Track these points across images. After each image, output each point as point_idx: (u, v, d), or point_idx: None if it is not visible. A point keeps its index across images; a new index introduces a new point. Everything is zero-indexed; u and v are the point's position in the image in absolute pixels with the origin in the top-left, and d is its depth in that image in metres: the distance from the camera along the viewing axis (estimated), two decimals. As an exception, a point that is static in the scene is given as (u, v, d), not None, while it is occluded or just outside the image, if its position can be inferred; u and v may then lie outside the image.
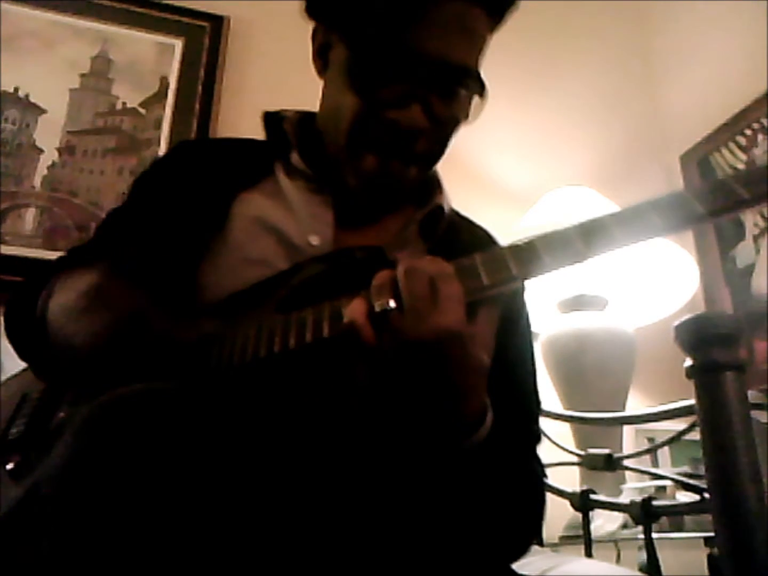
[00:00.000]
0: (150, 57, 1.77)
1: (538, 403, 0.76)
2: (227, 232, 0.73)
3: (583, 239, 0.52)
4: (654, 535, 0.98)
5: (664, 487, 1.26)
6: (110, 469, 0.43)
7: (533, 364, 0.77)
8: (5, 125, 1.61)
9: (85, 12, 1.75)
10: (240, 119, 1.73)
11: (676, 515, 1.22)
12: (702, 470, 0.84)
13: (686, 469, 1.32)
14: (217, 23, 1.82)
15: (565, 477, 1.24)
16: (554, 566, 0.89)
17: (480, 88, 0.70)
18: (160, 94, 1.75)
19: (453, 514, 0.58)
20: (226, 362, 0.59)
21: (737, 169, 1.83)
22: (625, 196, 1.44)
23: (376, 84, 0.67)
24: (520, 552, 0.68)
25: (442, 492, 0.57)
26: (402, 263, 0.53)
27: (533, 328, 0.80)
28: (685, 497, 1.10)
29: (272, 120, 0.81)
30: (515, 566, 0.67)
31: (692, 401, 0.84)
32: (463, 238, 0.80)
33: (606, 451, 1.14)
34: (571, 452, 1.26)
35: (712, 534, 0.81)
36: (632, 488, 1.33)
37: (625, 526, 1.32)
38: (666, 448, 1.42)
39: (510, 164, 1.97)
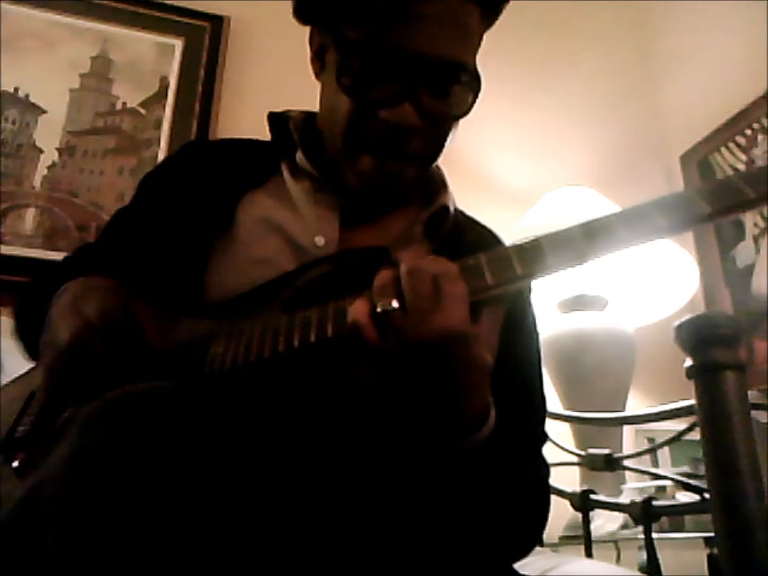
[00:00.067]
0: (150, 57, 1.77)
1: (544, 403, 0.76)
2: (233, 232, 0.73)
3: (587, 239, 0.52)
4: (654, 535, 0.98)
5: (664, 487, 1.26)
6: (113, 467, 0.44)
7: (539, 365, 0.77)
8: (5, 125, 1.61)
9: (85, 12, 1.75)
10: (240, 119, 1.73)
11: (676, 515, 1.22)
12: (702, 470, 0.84)
13: (686, 469, 1.32)
14: (217, 23, 1.83)
15: (565, 477, 1.24)
16: (554, 566, 0.89)
17: (475, 83, 0.69)
18: (160, 94, 1.75)
19: (456, 514, 0.58)
20: (230, 362, 0.59)
21: (739, 170, 1.83)
22: (625, 196, 1.45)
23: (365, 84, 0.67)
24: (524, 552, 0.68)
25: (445, 491, 0.57)
26: (405, 263, 0.52)
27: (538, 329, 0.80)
28: (685, 497, 1.10)
29: (277, 120, 0.81)
30: (516, 566, 0.67)
31: (692, 401, 0.84)
32: (468, 238, 0.80)
33: (606, 451, 1.14)
34: (571, 452, 1.26)
35: (712, 534, 0.81)
36: (632, 488, 1.33)
37: (625, 526, 1.32)
38: (666, 448, 1.42)
39: (510, 164, 1.97)
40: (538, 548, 0.70)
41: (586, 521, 1.16)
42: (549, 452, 0.74)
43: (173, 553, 0.43)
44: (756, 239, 1.77)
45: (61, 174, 1.62)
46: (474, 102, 0.70)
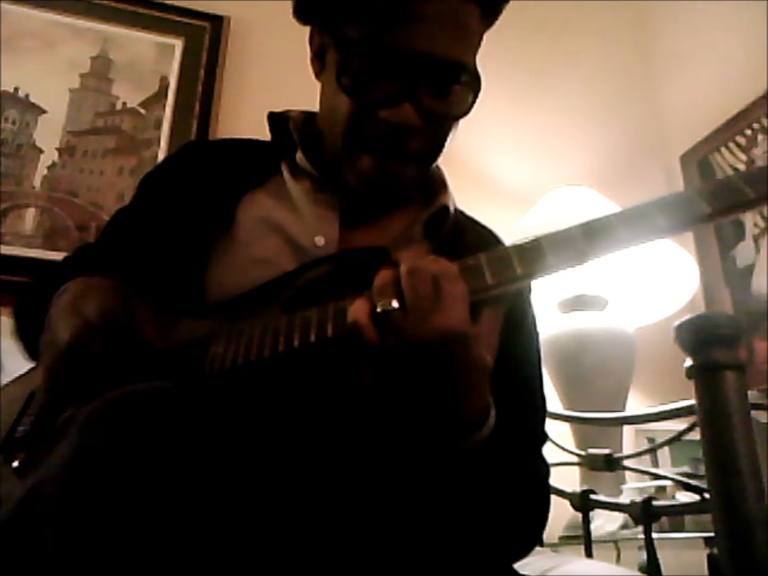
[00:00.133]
0: (150, 57, 1.77)
1: (544, 403, 0.76)
2: (233, 232, 0.73)
3: (587, 240, 0.52)
4: (654, 535, 0.98)
5: (664, 487, 1.26)
6: (113, 467, 0.44)
7: (539, 365, 0.77)
8: (5, 125, 1.61)
9: (85, 12, 1.75)
10: (240, 119, 1.73)
11: (676, 515, 1.22)
12: (702, 470, 0.84)
13: (686, 469, 1.32)
14: (217, 23, 1.83)
15: (565, 477, 1.24)
16: (554, 566, 0.89)
17: (475, 83, 0.69)
18: (160, 94, 1.75)
19: (456, 514, 0.58)
20: (230, 362, 0.59)
21: (739, 170, 1.83)
22: (625, 196, 1.45)
23: (365, 84, 0.67)
24: (524, 552, 0.68)
25: (445, 491, 0.57)
26: (405, 263, 0.53)
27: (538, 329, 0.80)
28: (685, 497, 1.10)
29: (277, 120, 0.81)
30: (516, 566, 0.67)
31: (692, 401, 0.84)
32: (468, 238, 0.80)
33: (606, 451, 1.14)
34: (571, 452, 1.26)
35: (712, 534, 0.81)
36: (632, 488, 1.33)
37: (625, 526, 1.32)
38: (666, 448, 1.42)
39: (510, 164, 1.97)
40: (538, 548, 0.70)
41: (586, 521, 1.16)
42: (549, 452, 0.74)
43: (173, 553, 0.43)
44: (756, 239, 1.77)
45: (61, 174, 1.62)
46: (474, 102, 0.70)
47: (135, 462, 0.44)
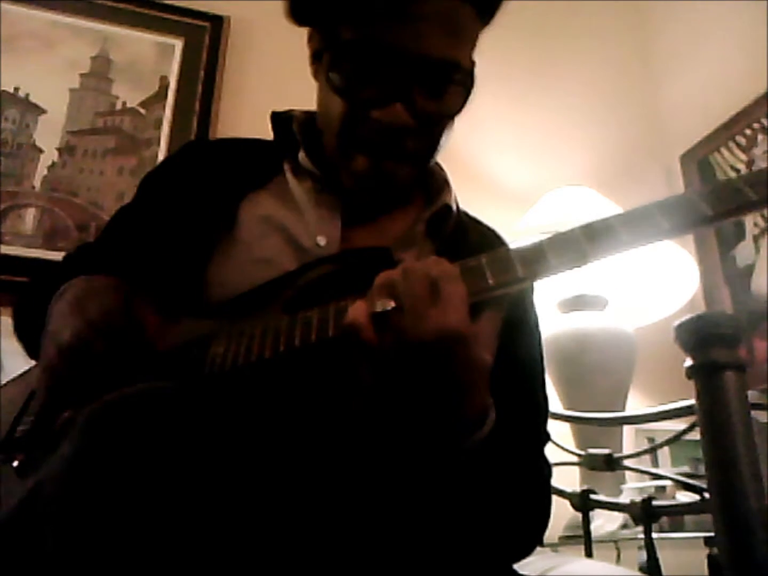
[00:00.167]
0: (150, 57, 1.77)
1: (546, 403, 0.76)
2: (235, 232, 0.73)
3: (589, 241, 0.52)
4: (654, 535, 0.98)
5: (664, 487, 1.26)
6: (113, 468, 0.44)
7: (541, 365, 0.78)
8: (5, 125, 1.61)
9: (85, 12, 1.75)
10: (240, 119, 1.73)
11: (676, 515, 1.22)
12: (702, 470, 0.84)
13: (686, 469, 1.32)
14: (217, 23, 1.83)
15: (565, 477, 1.24)
16: (554, 566, 0.89)
17: (468, 82, 0.69)
18: (160, 94, 1.75)
19: (457, 514, 0.58)
20: (231, 362, 0.59)
21: (741, 172, 1.83)
22: (625, 196, 1.45)
23: (357, 85, 0.67)
24: (525, 552, 0.68)
25: (445, 491, 0.57)
26: (402, 264, 0.53)
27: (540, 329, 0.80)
28: (685, 497, 1.10)
29: (280, 120, 0.82)
30: (516, 566, 0.67)
31: (692, 401, 0.84)
32: (471, 238, 0.80)
33: (606, 451, 1.14)
34: (571, 452, 1.26)
35: (712, 534, 0.81)
36: (632, 488, 1.33)
37: (625, 526, 1.32)
38: (666, 448, 1.42)
39: (510, 164, 1.97)
40: (538, 548, 0.70)
41: (586, 521, 1.16)
42: (549, 452, 0.74)
43: (173, 553, 0.43)
44: (756, 239, 1.77)
45: (61, 174, 1.62)
46: (467, 101, 0.70)
47: (135, 463, 0.44)
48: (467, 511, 0.59)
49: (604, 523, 1.33)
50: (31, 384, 0.69)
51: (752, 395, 0.81)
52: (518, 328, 0.73)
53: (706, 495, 0.86)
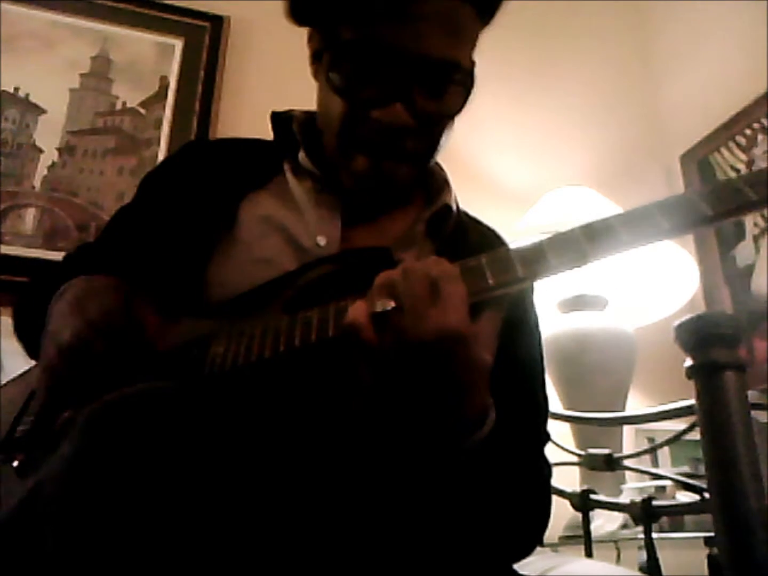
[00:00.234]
0: (150, 57, 1.77)
1: (546, 403, 0.76)
2: (235, 232, 0.73)
3: (589, 241, 0.52)
4: (654, 535, 0.98)
5: (664, 487, 1.26)
6: (113, 468, 0.44)
7: (541, 365, 0.78)
8: (5, 125, 1.61)
9: (85, 12, 1.75)
10: (240, 119, 1.73)
11: (676, 515, 1.22)
12: (702, 470, 0.84)
13: (686, 469, 1.32)
14: (217, 23, 1.82)
15: (565, 477, 1.24)
16: (554, 566, 0.89)
17: (468, 82, 0.69)
18: (160, 94, 1.75)
19: (457, 514, 0.58)
20: (231, 362, 0.59)
21: (741, 172, 1.83)
22: (625, 196, 1.45)
23: (357, 85, 0.67)
24: (525, 552, 0.68)
25: (445, 491, 0.57)
26: (402, 264, 0.53)
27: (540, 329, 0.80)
28: (685, 497, 1.10)
29: (280, 120, 0.82)
30: (516, 566, 0.67)
31: (692, 401, 0.84)
32: (471, 238, 0.80)
33: (606, 451, 1.14)
34: (571, 452, 1.26)
35: (712, 534, 0.81)
36: (632, 488, 1.33)
37: (625, 526, 1.32)
38: (666, 448, 1.42)
39: (510, 164, 1.97)
40: (538, 548, 0.70)
41: (586, 521, 1.16)
42: (549, 452, 0.74)
43: (173, 553, 0.43)
44: (756, 239, 1.77)
45: (61, 174, 1.62)
46: (467, 101, 0.70)
47: (134, 463, 0.44)
48: (467, 512, 0.59)
49: (604, 523, 1.33)
50: (31, 384, 0.69)
51: (752, 395, 0.81)
52: (518, 328, 0.73)
53: (706, 495, 0.86)
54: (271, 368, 0.58)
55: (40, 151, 1.62)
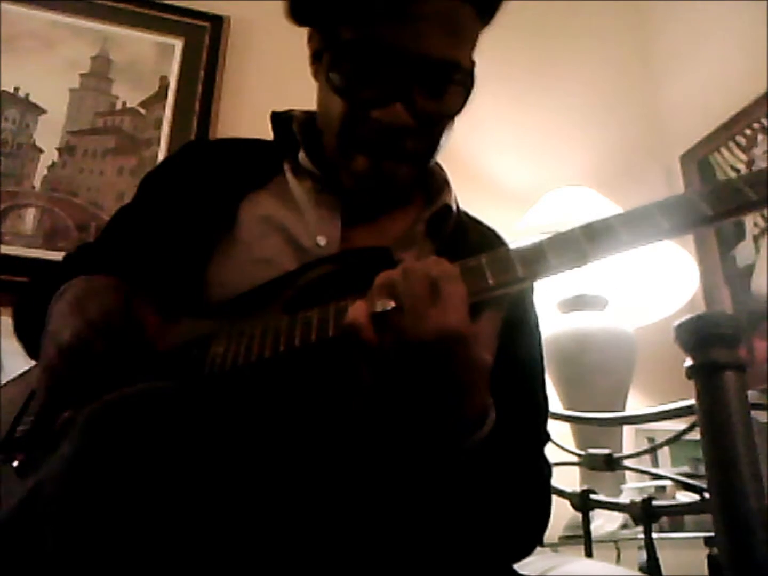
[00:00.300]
0: (150, 57, 1.77)
1: (546, 403, 0.76)
2: (235, 232, 0.73)
3: (589, 241, 0.52)
4: (654, 535, 0.98)
5: (664, 487, 1.26)
6: (113, 468, 0.44)
7: (541, 365, 0.78)
8: (5, 125, 1.61)
9: (85, 12, 1.75)
10: (240, 119, 1.73)
11: (676, 515, 1.22)
12: (702, 470, 0.84)
13: (686, 469, 1.32)
14: (217, 23, 1.82)
15: (565, 477, 1.24)
16: (554, 566, 0.89)
17: (468, 82, 0.69)
18: (160, 94, 1.75)
19: (457, 514, 0.58)
20: (231, 362, 0.59)
21: (741, 172, 1.83)
22: (625, 196, 1.45)
23: (357, 85, 0.67)
24: (525, 552, 0.68)
25: (445, 491, 0.57)
26: (402, 264, 0.53)
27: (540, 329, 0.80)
28: (685, 497, 1.10)
29: (280, 120, 0.82)
30: (516, 566, 0.67)
31: (692, 401, 0.84)
32: (471, 238, 0.80)
33: (606, 451, 1.14)
34: (571, 452, 1.26)
35: (712, 534, 0.81)
36: (632, 488, 1.33)
37: (625, 526, 1.32)
38: (666, 448, 1.42)
39: (510, 164, 1.97)
40: (538, 548, 0.70)
41: (586, 521, 1.16)
42: (549, 452, 0.74)
43: (172, 553, 0.43)
44: (756, 239, 1.77)
45: (61, 174, 1.62)
46: (467, 101, 0.70)
47: (134, 463, 0.44)
48: (467, 511, 0.59)
49: (604, 523, 1.33)
50: (31, 384, 0.69)
51: (752, 395, 0.81)
52: (518, 328, 0.73)
53: (706, 495, 0.86)
54: (271, 368, 0.58)
55: (40, 151, 1.62)
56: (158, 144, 1.70)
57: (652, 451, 1.24)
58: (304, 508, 0.55)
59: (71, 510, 0.43)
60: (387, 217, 0.77)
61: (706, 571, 1.14)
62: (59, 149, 1.64)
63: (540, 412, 0.75)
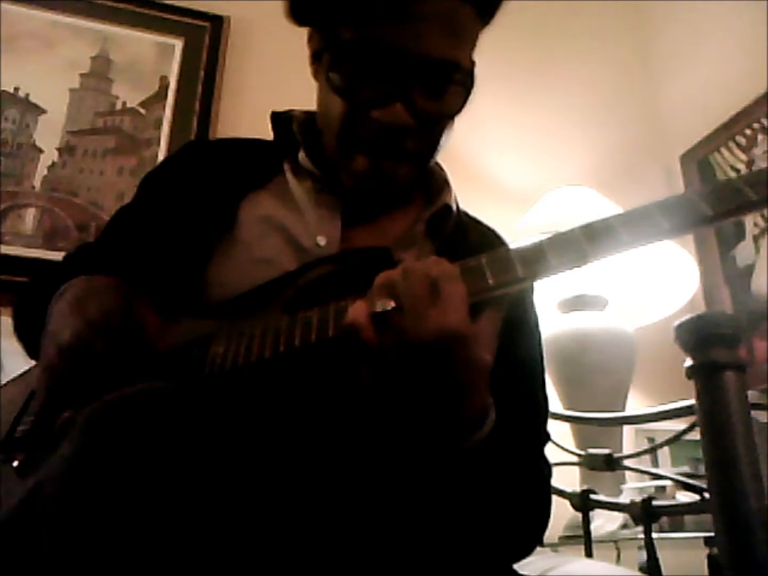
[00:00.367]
0: (150, 57, 1.77)
1: (546, 403, 0.76)
2: (235, 232, 0.73)
3: (589, 241, 0.52)
4: (654, 535, 0.98)
5: (664, 487, 1.26)
6: (113, 468, 0.44)
7: (541, 365, 0.78)
8: (5, 125, 1.61)
9: (85, 12, 1.75)
10: (240, 119, 1.73)
11: (676, 515, 1.22)
12: (702, 470, 0.84)
13: (686, 469, 1.32)
14: (217, 23, 1.82)
15: (565, 477, 1.24)
16: (554, 566, 0.89)
17: (468, 82, 0.69)
18: (160, 94, 1.75)
19: (457, 514, 0.58)
20: (231, 362, 0.59)
21: (741, 172, 1.83)
22: (625, 196, 1.45)
23: (357, 85, 0.67)
24: (525, 552, 0.68)
25: (445, 491, 0.57)
26: (402, 264, 0.53)
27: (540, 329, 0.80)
28: (685, 497, 1.10)
29: (280, 120, 0.82)
30: (516, 566, 0.67)
31: (692, 401, 0.84)
32: (471, 238, 0.80)
33: (606, 451, 1.14)
34: (571, 452, 1.26)
35: (712, 534, 0.81)
36: (632, 488, 1.33)
37: (625, 526, 1.32)
38: (666, 448, 1.42)
39: (510, 164, 1.97)
40: (538, 548, 0.70)
41: (586, 521, 1.16)
42: (549, 452, 0.74)
43: (172, 553, 0.43)
44: (756, 239, 1.77)
45: (61, 174, 1.62)
46: (467, 101, 0.70)
47: (134, 463, 0.44)
48: (467, 511, 0.59)
49: (604, 523, 1.33)
50: (31, 384, 0.69)
51: (752, 395, 0.81)
52: (518, 328, 0.73)
53: (706, 495, 0.86)
54: (271, 368, 0.58)
55: (40, 151, 1.62)
56: (158, 144, 1.70)
57: (652, 451, 1.24)
58: (304, 508, 0.55)
59: (71, 510, 0.43)
60: (387, 217, 0.77)
61: (706, 571, 1.14)
62: (59, 149, 1.64)
63: (540, 412, 0.75)
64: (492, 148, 1.96)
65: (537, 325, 0.80)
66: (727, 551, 0.75)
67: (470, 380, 0.53)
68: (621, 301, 1.70)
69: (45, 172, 1.61)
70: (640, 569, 1.06)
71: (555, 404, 1.59)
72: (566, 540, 1.42)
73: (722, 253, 1.86)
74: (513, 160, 1.98)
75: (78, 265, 0.77)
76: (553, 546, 1.44)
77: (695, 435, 0.85)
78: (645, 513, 0.99)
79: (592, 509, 1.16)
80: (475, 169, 1.91)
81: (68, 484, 0.44)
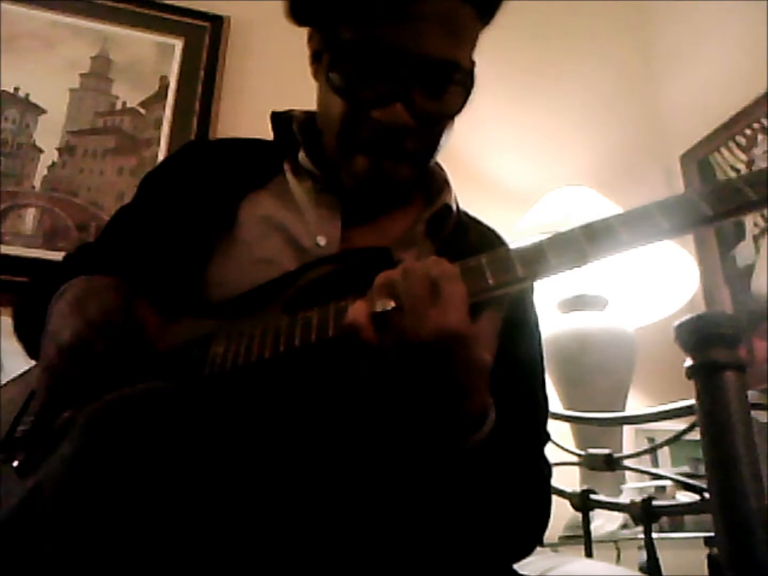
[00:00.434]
0: (150, 57, 1.77)
1: (546, 403, 0.76)
2: (235, 232, 0.73)
3: (589, 241, 0.52)
4: (654, 535, 0.98)
5: (664, 487, 1.26)
6: (113, 468, 0.44)
7: (541, 365, 0.78)
8: (5, 125, 1.61)
9: (85, 12, 1.75)
10: (240, 119, 1.73)
11: (676, 515, 1.22)
12: (702, 470, 0.84)
13: (686, 469, 1.32)
14: (217, 23, 1.83)
15: (565, 477, 1.24)
16: (554, 566, 0.89)
17: (468, 82, 0.69)
18: (160, 94, 1.75)
19: (457, 514, 0.58)
20: (231, 362, 0.59)
21: (741, 172, 1.83)
22: (625, 196, 1.45)
23: (357, 85, 0.67)
24: (525, 552, 0.68)
25: (445, 491, 0.57)
26: (402, 264, 0.53)
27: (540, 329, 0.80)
28: (685, 497, 1.10)
29: (280, 120, 0.82)
30: (516, 566, 0.67)
31: (692, 401, 0.84)
32: (471, 238, 0.80)
33: (606, 451, 1.14)
34: (571, 452, 1.26)
35: (712, 534, 0.81)
36: (632, 488, 1.33)
37: (625, 526, 1.32)
38: (666, 448, 1.42)
39: (510, 164, 1.97)
40: (538, 548, 0.70)
41: (586, 521, 1.16)
42: (549, 452, 0.74)
43: (172, 553, 0.43)
44: (756, 239, 1.77)
45: (61, 174, 1.62)
46: (467, 101, 0.70)
47: (134, 463, 0.44)
48: (467, 512, 0.59)
49: (604, 523, 1.33)
50: (31, 384, 0.69)
51: (752, 395, 0.81)
52: (518, 328, 0.73)
53: (706, 495, 0.86)
54: (271, 368, 0.58)
55: (40, 151, 1.62)
56: (158, 144, 1.70)
57: (652, 451, 1.24)
58: (304, 508, 0.55)
59: (71, 510, 0.43)
60: (387, 217, 0.77)
61: (706, 571, 1.14)
62: (59, 149, 1.64)
63: (540, 412, 0.75)
64: (492, 148, 1.96)
65: (537, 325, 0.80)
66: (727, 551, 0.75)
67: (470, 380, 0.53)
68: (621, 301, 1.70)
69: (45, 172, 1.61)
70: (640, 569, 1.06)
71: (555, 404, 1.59)
72: (566, 540, 1.42)
73: (722, 253, 1.86)
74: (513, 160, 1.98)
75: (78, 265, 0.77)
76: (553, 546, 1.44)
77: (695, 435, 0.85)
78: (645, 513, 0.99)
79: (592, 509, 1.16)
80: (475, 169, 1.91)
81: (68, 484, 0.44)
